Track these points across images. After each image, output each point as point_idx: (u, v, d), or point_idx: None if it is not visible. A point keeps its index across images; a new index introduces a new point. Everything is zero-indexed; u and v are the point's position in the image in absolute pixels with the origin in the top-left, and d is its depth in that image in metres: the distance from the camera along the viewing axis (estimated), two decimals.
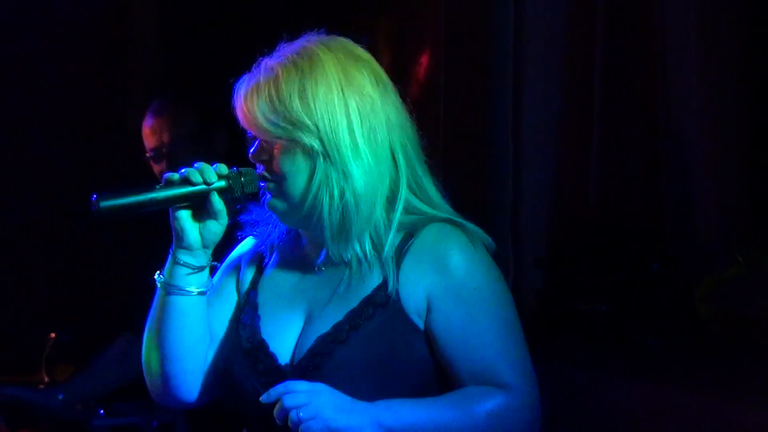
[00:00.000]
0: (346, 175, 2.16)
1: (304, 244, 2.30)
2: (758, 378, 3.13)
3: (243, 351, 2.23)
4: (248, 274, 2.35)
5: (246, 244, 2.39)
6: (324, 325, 2.18)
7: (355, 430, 2.07)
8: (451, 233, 2.18)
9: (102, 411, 3.74)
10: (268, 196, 2.23)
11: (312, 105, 2.16)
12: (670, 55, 3.78)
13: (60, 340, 4.00)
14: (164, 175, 2.23)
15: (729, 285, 3.55)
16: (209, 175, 2.20)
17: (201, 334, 2.28)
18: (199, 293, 2.26)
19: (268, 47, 2.23)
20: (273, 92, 2.16)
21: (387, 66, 2.28)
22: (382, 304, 2.16)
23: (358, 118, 2.17)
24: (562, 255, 4.13)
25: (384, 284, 2.17)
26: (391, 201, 2.21)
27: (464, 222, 2.22)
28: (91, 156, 4.80)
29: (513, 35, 4.30)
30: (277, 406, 2.07)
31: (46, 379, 4.05)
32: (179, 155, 3.70)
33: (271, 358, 2.21)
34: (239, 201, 2.26)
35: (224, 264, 2.37)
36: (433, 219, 2.21)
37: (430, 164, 2.27)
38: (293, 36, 2.24)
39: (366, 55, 2.24)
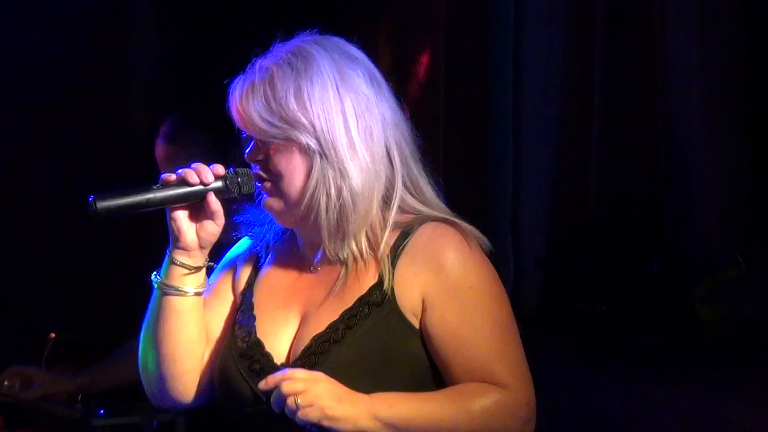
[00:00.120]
0: (343, 173, 2.16)
1: (300, 244, 2.30)
2: (757, 378, 3.13)
3: (239, 351, 2.23)
4: (244, 275, 2.34)
5: (242, 245, 2.38)
6: (319, 324, 2.18)
7: (351, 419, 2.06)
8: (446, 232, 2.17)
9: (102, 411, 3.73)
10: (265, 196, 2.22)
11: (308, 104, 2.15)
12: (670, 55, 3.79)
13: (60, 340, 3.99)
14: (161, 176, 2.23)
15: (729, 285, 3.55)
16: (206, 175, 2.20)
17: (197, 334, 2.28)
18: (196, 294, 2.26)
19: (262, 48, 2.23)
20: (269, 92, 2.16)
21: (387, 66, 2.29)
22: (378, 303, 2.16)
23: (354, 116, 2.17)
24: (562, 255, 4.13)
25: (379, 283, 2.17)
26: (386, 200, 2.21)
27: (460, 221, 2.22)
28: (91, 156, 4.80)
29: (513, 35, 4.31)
30: (274, 392, 2.07)
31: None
32: None
33: (267, 358, 2.21)
34: (236, 201, 2.26)
35: (220, 264, 2.37)
36: (428, 218, 2.20)
37: (426, 163, 2.26)
38: (287, 36, 2.24)
39: (360, 54, 2.24)
